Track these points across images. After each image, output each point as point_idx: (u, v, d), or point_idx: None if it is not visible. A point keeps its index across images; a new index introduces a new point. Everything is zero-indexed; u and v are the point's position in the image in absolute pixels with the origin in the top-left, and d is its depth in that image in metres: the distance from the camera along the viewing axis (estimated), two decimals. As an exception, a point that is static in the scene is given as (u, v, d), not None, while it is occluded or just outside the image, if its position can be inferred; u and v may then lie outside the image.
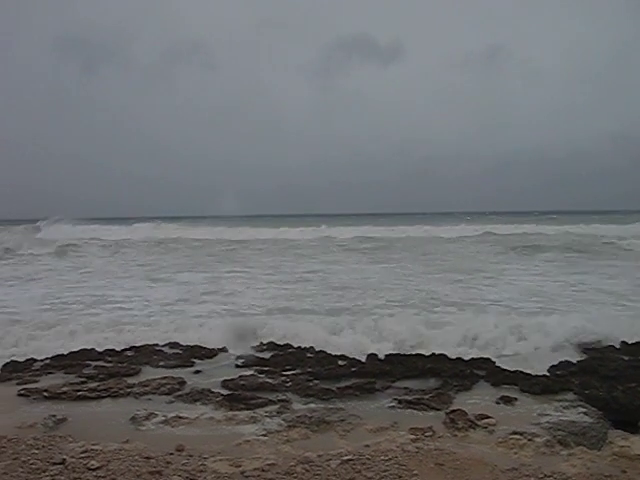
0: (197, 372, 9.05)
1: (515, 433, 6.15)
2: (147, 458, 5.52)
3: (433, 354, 9.58)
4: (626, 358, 9.26)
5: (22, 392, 7.83)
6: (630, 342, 9.94)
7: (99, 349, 10.29)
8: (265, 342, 10.81)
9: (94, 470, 5.24)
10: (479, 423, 6.49)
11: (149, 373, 8.88)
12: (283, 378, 8.51)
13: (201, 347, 10.45)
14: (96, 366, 9.32)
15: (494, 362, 9.12)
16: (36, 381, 8.44)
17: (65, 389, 7.89)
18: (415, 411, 7.04)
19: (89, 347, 10.34)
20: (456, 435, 6.22)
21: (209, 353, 10.16)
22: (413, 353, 9.77)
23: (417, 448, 5.79)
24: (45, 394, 7.71)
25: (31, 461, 5.40)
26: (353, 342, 10.63)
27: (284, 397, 7.58)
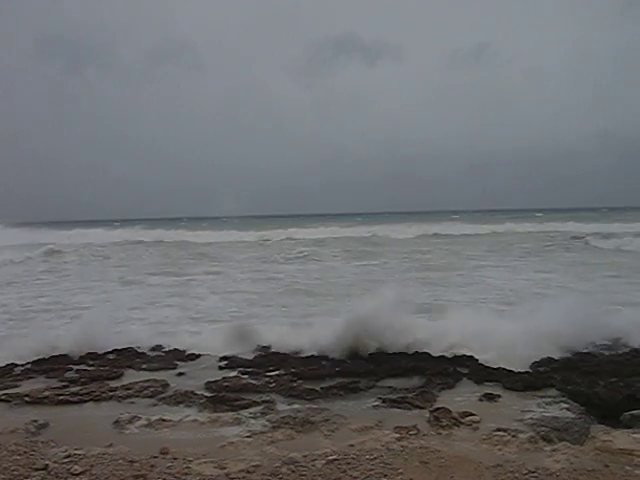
0: (180, 374, 9.00)
1: (499, 430, 6.18)
2: (131, 462, 5.48)
3: (416, 352, 9.61)
4: (607, 354, 9.35)
5: (3, 397, 7.75)
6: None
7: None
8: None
9: (77, 475, 5.19)
10: (463, 421, 6.52)
11: (131, 376, 8.82)
12: (267, 379, 8.49)
13: (184, 349, 10.40)
14: (78, 370, 9.24)
15: (477, 359, 9.16)
16: (17, 386, 8.35)
17: (47, 394, 7.81)
18: (399, 410, 7.06)
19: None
20: (440, 433, 6.24)
21: (192, 355, 10.11)
22: (396, 352, 9.78)
23: (402, 447, 5.80)
24: (26, 399, 7.63)
25: (13, 467, 5.33)
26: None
27: (268, 398, 7.56)
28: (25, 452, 5.73)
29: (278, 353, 10.00)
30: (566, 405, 6.94)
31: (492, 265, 23.48)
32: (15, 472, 5.23)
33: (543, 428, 6.20)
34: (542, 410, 6.84)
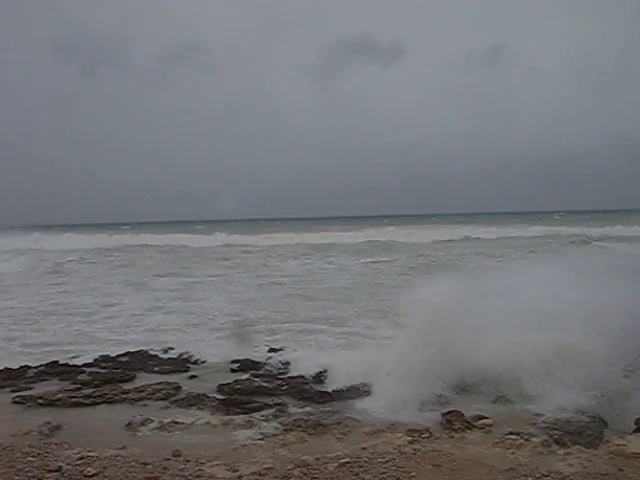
0: (192, 377, 9.03)
1: (512, 433, 6.15)
2: (144, 464, 5.50)
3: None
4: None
5: (17, 399, 7.80)
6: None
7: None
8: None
9: (91, 477, 5.21)
10: (476, 424, 6.49)
11: (144, 379, 8.86)
12: (279, 382, 8.49)
13: (196, 352, 10.43)
14: (91, 372, 9.29)
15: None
16: (30, 388, 8.41)
17: (60, 396, 7.85)
18: (413, 412, 7.02)
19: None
20: (453, 436, 6.22)
21: (204, 358, 10.13)
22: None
23: (414, 450, 5.79)
24: (40, 401, 7.68)
25: (27, 469, 5.36)
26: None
27: (280, 401, 7.57)
28: (39, 454, 5.77)
29: (290, 355, 10.01)
30: (579, 408, 6.88)
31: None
32: (29, 474, 5.26)
33: (556, 431, 6.15)
34: (555, 413, 6.78)
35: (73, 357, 10.38)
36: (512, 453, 5.72)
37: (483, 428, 6.39)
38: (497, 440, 6.01)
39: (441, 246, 36.61)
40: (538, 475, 5.14)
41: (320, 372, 8.77)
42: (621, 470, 5.24)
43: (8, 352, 10.96)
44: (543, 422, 6.50)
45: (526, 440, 5.96)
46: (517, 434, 6.11)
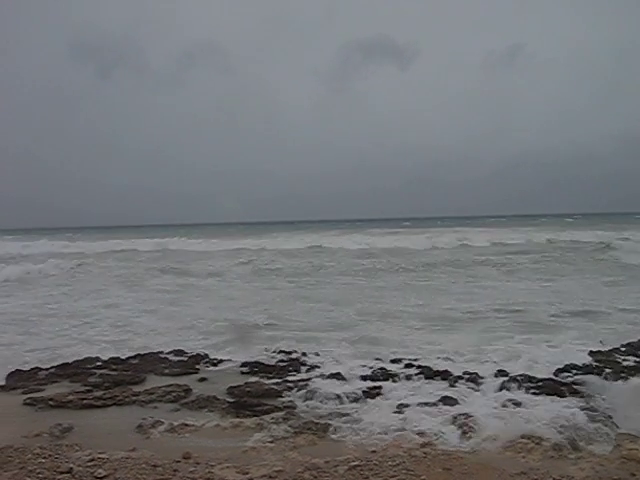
0: (202, 379, 9.04)
1: (523, 437, 6.11)
2: (154, 466, 5.51)
3: (439, 358, 9.66)
4: (631, 359, 9.23)
5: (28, 401, 7.83)
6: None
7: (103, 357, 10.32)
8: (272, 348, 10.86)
9: (101, 479, 5.23)
10: (486, 427, 6.45)
11: (154, 381, 8.88)
12: (289, 384, 8.49)
13: (206, 354, 10.47)
14: (101, 374, 9.31)
15: (500, 365, 9.11)
16: (41, 390, 8.44)
17: (71, 398, 7.88)
18: (422, 415, 7.00)
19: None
20: (463, 439, 6.19)
21: (214, 360, 10.16)
22: (419, 357, 9.81)
23: (424, 453, 5.77)
24: (51, 403, 7.71)
25: (38, 470, 5.39)
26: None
27: (290, 403, 7.56)
28: (50, 455, 5.79)
29: (299, 358, 10.04)
30: (591, 412, 6.84)
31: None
32: (40, 475, 5.29)
33: (567, 435, 6.12)
34: (566, 417, 6.73)
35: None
36: (523, 457, 5.70)
37: (494, 431, 6.34)
38: (508, 444, 5.99)
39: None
40: (549, 479, 5.12)
41: (332, 374, 8.81)
42: (633, 475, 5.20)
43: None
44: (554, 426, 6.44)
45: (537, 444, 5.93)
46: (528, 438, 6.08)
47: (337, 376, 8.75)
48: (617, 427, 6.37)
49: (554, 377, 8.43)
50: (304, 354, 10.31)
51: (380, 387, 8.18)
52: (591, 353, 9.65)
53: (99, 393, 8.15)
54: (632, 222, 55.61)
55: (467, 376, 8.58)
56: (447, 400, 7.46)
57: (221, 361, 10.14)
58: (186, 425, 6.83)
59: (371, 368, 9.26)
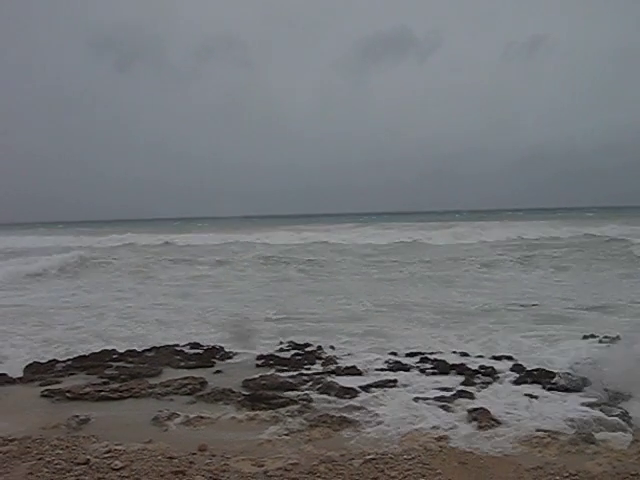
0: (218, 372, 9.07)
1: (539, 431, 6.08)
2: (170, 458, 5.54)
3: (454, 352, 9.65)
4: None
5: (45, 393, 7.89)
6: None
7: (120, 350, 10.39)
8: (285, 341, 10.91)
9: (118, 470, 5.26)
10: (502, 421, 6.43)
11: (170, 373, 8.92)
12: (304, 377, 8.50)
13: (221, 347, 10.51)
14: (117, 367, 9.38)
15: (516, 360, 9.08)
16: (59, 382, 8.51)
17: (87, 390, 7.93)
18: (438, 409, 6.98)
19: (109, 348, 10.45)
20: (479, 433, 6.16)
21: (229, 353, 10.20)
22: (434, 351, 9.81)
23: (440, 447, 5.76)
24: (68, 395, 7.77)
25: (55, 461, 5.44)
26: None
27: (305, 396, 7.57)
28: (67, 447, 5.84)
29: (314, 351, 10.07)
30: (608, 406, 6.78)
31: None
32: (58, 466, 5.33)
33: (584, 430, 6.07)
34: (583, 411, 6.69)
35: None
36: (539, 451, 5.66)
37: (510, 425, 6.31)
38: (524, 438, 5.95)
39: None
40: (566, 474, 5.08)
41: (347, 367, 8.83)
42: (651, 470, 5.15)
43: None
44: (571, 420, 6.40)
45: (553, 438, 5.89)
46: (544, 432, 6.05)
47: (352, 369, 8.78)
48: (635, 422, 6.31)
49: (570, 371, 8.37)
50: (319, 347, 10.34)
51: (395, 381, 8.16)
52: (606, 345, 9.59)
53: (115, 385, 8.20)
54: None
55: (483, 370, 8.57)
56: (463, 394, 7.44)
57: (237, 354, 10.19)
58: (202, 417, 6.85)
59: (386, 362, 9.28)
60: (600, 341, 10.03)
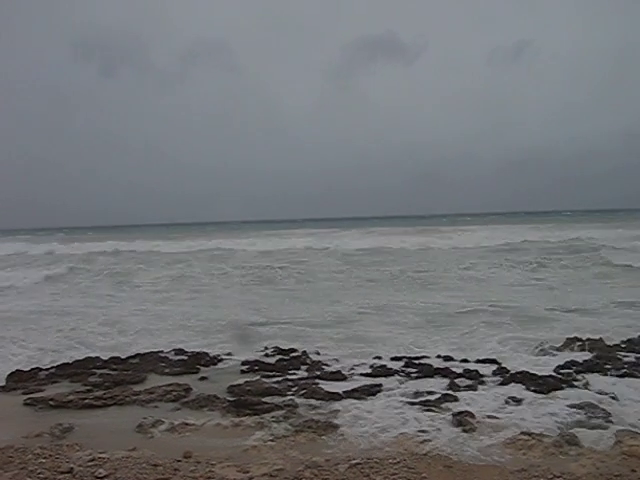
0: (203, 378, 9.04)
1: (523, 433, 6.12)
2: (155, 465, 5.51)
3: (439, 356, 9.69)
4: (632, 356, 9.25)
5: (28, 402, 7.82)
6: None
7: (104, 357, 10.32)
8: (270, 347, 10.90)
9: (102, 478, 5.23)
10: (487, 424, 6.46)
11: (154, 380, 8.87)
12: (289, 382, 8.50)
13: (206, 353, 10.47)
14: (101, 374, 9.31)
15: (500, 363, 9.13)
16: (42, 390, 8.43)
17: (71, 398, 7.87)
18: (423, 413, 7.00)
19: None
20: (464, 437, 6.19)
21: (214, 359, 10.16)
22: (419, 355, 9.85)
23: (425, 451, 5.77)
24: (51, 403, 7.70)
25: (39, 470, 5.39)
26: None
27: (290, 401, 7.56)
28: (50, 455, 5.79)
29: (299, 357, 10.06)
30: (591, 409, 6.84)
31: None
32: (41, 475, 5.29)
33: (568, 432, 6.12)
34: (567, 414, 6.74)
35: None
36: (524, 454, 5.70)
37: (494, 428, 6.35)
38: (508, 440, 5.99)
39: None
40: (550, 476, 5.12)
41: (332, 372, 8.84)
42: (634, 471, 5.20)
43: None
44: (555, 422, 6.47)
45: (538, 440, 5.93)
46: (528, 434, 6.08)
47: (337, 374, 8.79)
48: (617, 424, 6.37)
49: (554, 374, 8.43)
50: (304, 352, 10.32)
51: (380, 385, 8.18)
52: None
53: (99, 393, 8.14)
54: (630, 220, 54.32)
55: (467, 374, 8.61)
56: (447, 398, 7.47)
57: (221, 360, 10.16)
58: (186, 424, 6.82)
59: (371, 366, 9.29)
60: (582, 343, 10.10)
